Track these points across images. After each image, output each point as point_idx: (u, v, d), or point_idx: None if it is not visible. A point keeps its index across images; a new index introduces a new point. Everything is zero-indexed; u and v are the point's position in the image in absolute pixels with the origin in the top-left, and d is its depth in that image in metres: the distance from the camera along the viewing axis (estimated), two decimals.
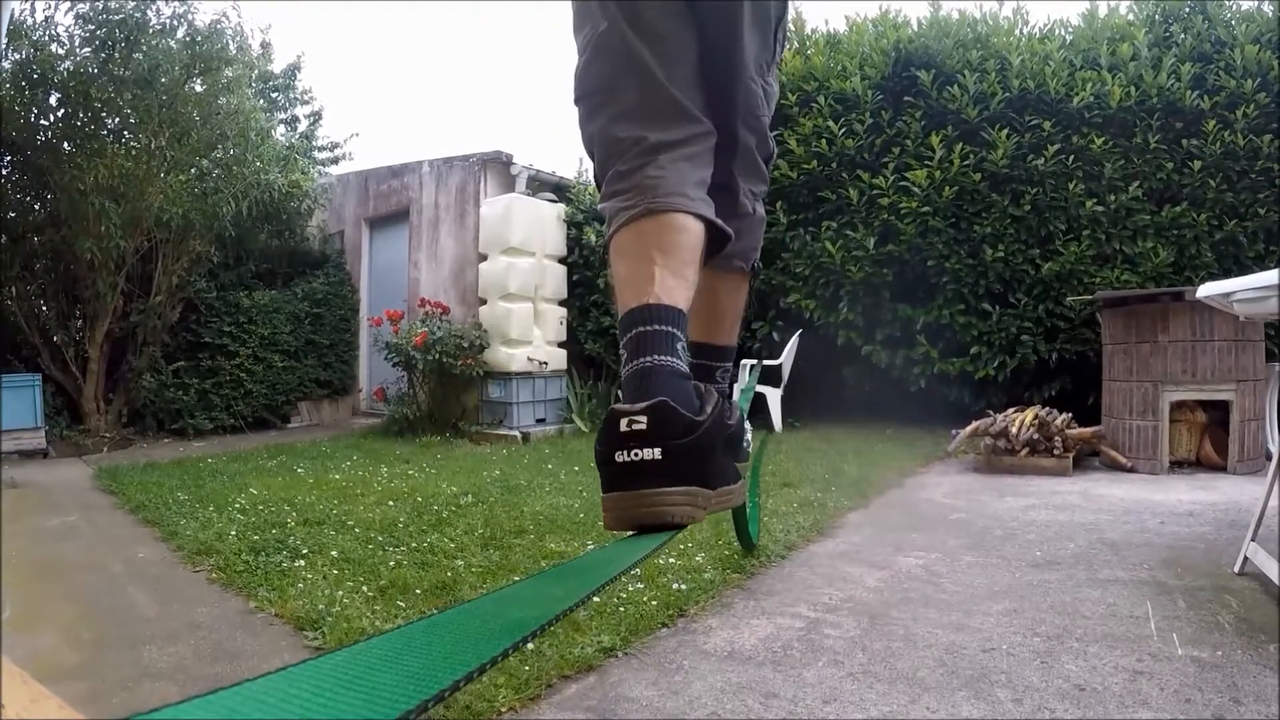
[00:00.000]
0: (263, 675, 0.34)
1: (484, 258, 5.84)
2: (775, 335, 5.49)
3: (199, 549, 2.40)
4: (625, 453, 0.70)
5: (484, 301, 5.81)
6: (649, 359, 0.75)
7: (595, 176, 0.96)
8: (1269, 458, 3.36)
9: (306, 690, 0.33)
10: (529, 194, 6.11)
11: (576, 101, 0.95)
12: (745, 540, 2.22)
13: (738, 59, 0.96)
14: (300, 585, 2.02)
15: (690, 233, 0.85)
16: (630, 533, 0.74)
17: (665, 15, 0.90)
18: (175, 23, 5.16)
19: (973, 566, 2.17)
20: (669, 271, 0.81)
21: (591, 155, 0.96)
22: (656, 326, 0.77)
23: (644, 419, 0.70)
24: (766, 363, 5.04)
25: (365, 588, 2.00)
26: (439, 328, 5.50)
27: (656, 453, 0.69)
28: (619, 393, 0.77)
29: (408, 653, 0.39)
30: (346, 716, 0.31)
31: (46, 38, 4.88)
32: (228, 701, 0.31)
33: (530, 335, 5.73)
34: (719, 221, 0.89)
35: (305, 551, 2.34)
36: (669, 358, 0.76)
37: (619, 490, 0.71)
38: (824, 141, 5.10)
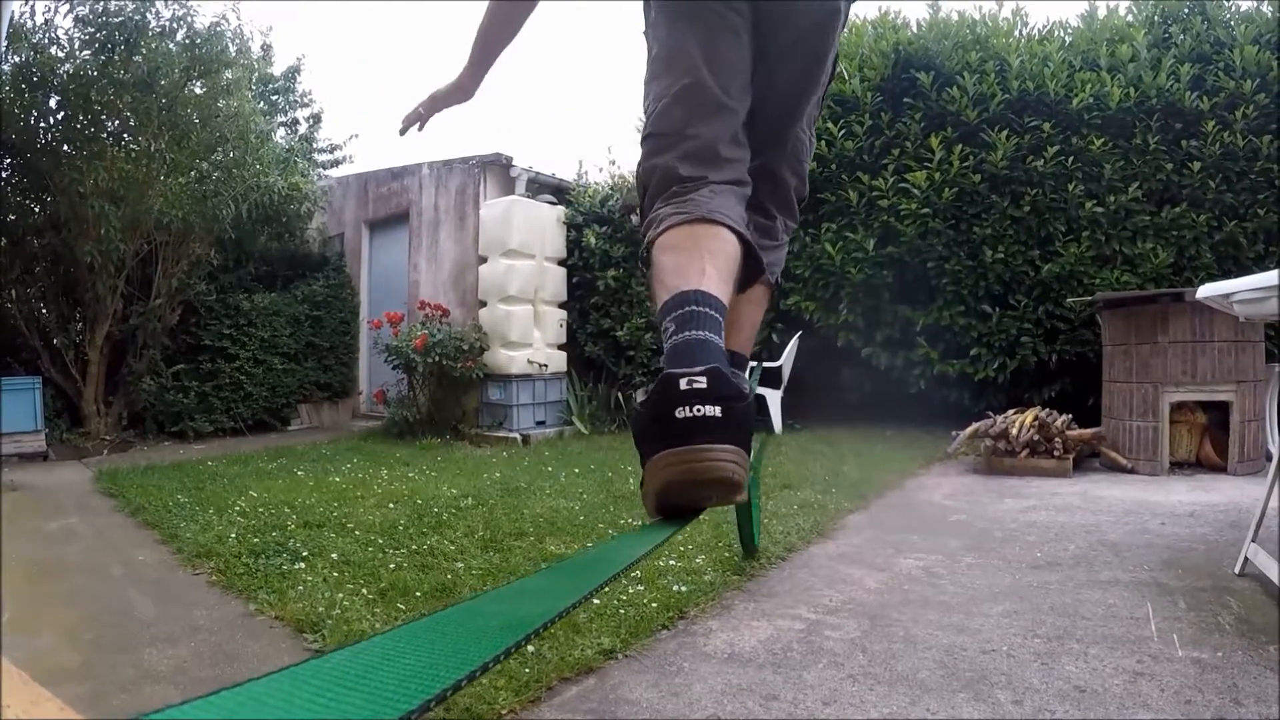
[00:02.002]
0: (265, 675, 0.34)
1: (484, 260, 5.84)
2: (775, 337, 5.49)
3: (199, 551, 2.40)
4: (687, 409, 0.71)
5: (484, 304, 5.80)
6: (699, 333, 0.79)
7: (644, 202, 1.06)
8: (1269, 458, 3.36)
9: (308, 690, 0.33)
10: (529, 196, 6.11)
11: (646, 139, 1.08)
12: (748, 544, 2.21)
13: (798, 115, 1.15)
14: (300, 588, 2.02)
15: (734, 247, 0.95)
16: (639, 523, 0.75)
17: (743, 83, 1.06)
18: (175, 25, 5.15)
19: (973, 568, 2.17)
20: (716, 271, 0.89)
21: (644, 185, 1.06)
22: (707, 309, 0.82)
23: (704, 379, 0.72)
24: (766, 365, 5.04)
25: (365, 590, 2.00)
26: (439, 330, 5.50)
27: (717, 410, 0.71)
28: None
29: (409, 651, 0.39)
30: (349, 717, 0.31)
31: (46, 40, 4.88)
32: (229, 702, 0.31)
33: (530, 338, 5.72)
34: (758, 251, 0.99)
35: (305, 554, 2.33)
36: (716, 336, 0.80)
37: (679, 445, 0.72)
38: (823, 143, 5.10)
